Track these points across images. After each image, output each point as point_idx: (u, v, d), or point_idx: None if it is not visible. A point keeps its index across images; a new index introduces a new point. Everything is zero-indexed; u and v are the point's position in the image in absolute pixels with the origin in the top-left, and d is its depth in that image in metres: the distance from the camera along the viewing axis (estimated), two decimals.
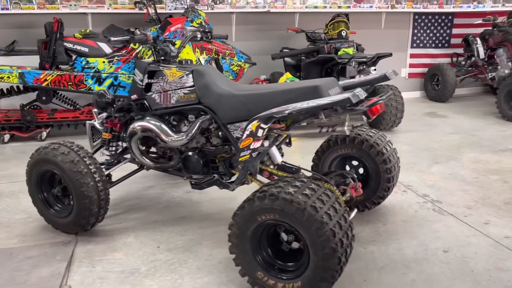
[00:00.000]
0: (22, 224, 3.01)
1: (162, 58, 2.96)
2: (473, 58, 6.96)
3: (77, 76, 4.93)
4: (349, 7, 6.49)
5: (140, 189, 3.63)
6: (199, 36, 3.24)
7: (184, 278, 2.38)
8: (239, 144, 2.47)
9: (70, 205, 2.80)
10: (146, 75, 2.89)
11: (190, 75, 2.73)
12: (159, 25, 5.19)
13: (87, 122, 3.29)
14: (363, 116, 2.33)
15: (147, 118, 2.88)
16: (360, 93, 2.12)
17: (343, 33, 5.29)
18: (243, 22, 6.27)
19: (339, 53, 5.09)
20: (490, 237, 2.77)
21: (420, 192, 3.48)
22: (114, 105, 3.07)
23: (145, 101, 2.92)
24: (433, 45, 7.43)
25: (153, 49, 2.97)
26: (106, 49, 5.14)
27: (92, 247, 2.71)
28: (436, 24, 7.33)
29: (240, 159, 2.54)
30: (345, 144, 3.03)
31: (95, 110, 3.31)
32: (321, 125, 2.41)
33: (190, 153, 2.84)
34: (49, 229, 2.90)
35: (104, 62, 5.04)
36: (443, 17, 7.34)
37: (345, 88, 2.60)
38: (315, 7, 6.41)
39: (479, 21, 7.01)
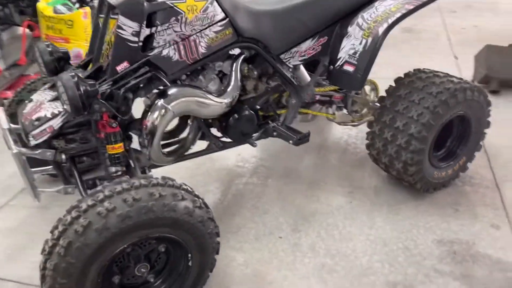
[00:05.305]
0: None
1: None
2: None
3: None
4: None
5: None
6: None
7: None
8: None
9: (182, 269, 1.59)
10: (145, 22, 1.70)
11: (215, 2, 1.84)
12: None
13: (15, 152, 1.64)
14: None
15: (175, 89, 1.79)
16: None
17: None
18: None
19: None
20: None
21: None
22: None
23: (152, 66, 1.76)
24: None
25: None
26: None
27: None
28: None
29: None
30: None
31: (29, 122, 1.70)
32: None
33: (239, 112, 2.06)
34: None
35: None
36: None
37: None
38: None
39: None
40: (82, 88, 1.57)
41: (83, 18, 3.67)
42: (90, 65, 1.89)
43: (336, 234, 2.06)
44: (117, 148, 1.72)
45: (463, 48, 4.21)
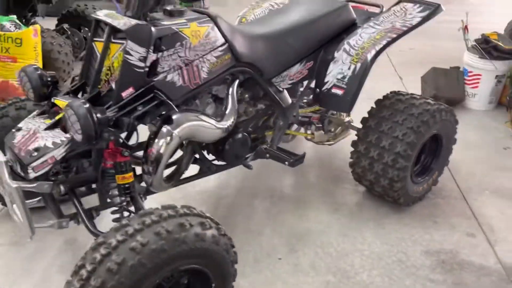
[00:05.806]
0: None
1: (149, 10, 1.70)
2: None
3: None
4: None
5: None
6: None
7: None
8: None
9: None
10: (152, 47, 1.67)
11: (216, 27, 1.87)
12: None
13: (14, 186, 1.50)
14: None
15: (179, 115, 1.75)
16: None
17: None
18: None
19: None
20: None
21: None
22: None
23: (157, 92, 1.72)
24: None
25: None
26: None
27: None
28: None
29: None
30: None
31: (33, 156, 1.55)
32: None
33: (233, 135, 2.07)
34: None
35: None
36: None
37: None
38: None
39: None
40: (94, 116, 1.49)
41: (33, 36, 3.46)
42: (82, 91, 1.81)
43: (333, 251, 2.12)
44: (128, 177, 1.65)
45: (404, 69, 4.57)
